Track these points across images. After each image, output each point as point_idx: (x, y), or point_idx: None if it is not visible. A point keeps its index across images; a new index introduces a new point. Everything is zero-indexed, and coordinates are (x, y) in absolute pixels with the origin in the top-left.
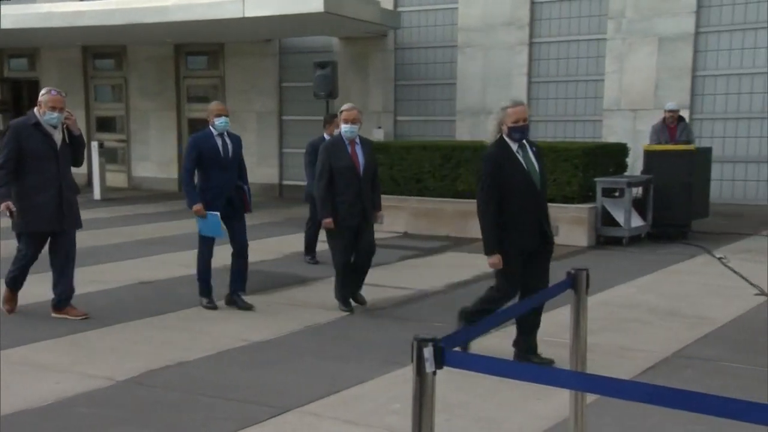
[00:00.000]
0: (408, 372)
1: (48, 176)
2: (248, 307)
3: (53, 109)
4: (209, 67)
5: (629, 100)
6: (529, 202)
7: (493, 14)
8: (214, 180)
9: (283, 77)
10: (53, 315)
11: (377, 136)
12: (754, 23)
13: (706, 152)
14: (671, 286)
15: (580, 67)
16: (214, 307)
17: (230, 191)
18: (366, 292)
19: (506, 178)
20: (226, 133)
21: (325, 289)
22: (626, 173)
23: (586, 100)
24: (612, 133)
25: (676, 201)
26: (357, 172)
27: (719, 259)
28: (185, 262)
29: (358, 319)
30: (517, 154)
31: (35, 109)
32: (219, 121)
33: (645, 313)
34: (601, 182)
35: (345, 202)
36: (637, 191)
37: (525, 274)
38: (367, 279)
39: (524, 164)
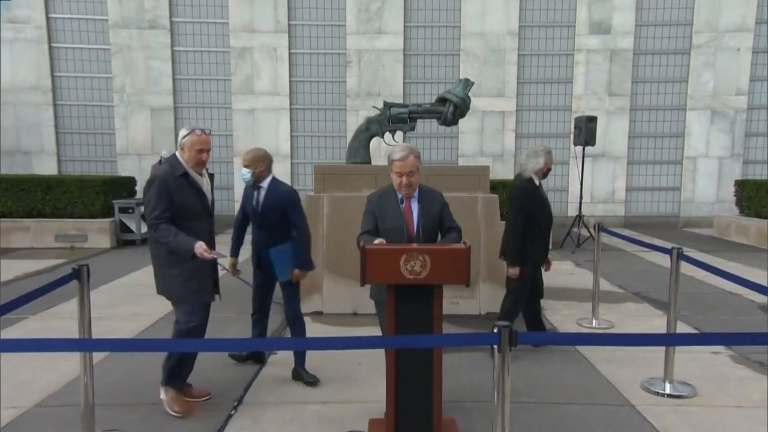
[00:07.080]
0: None
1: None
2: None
3: (200, 152)
4: None
5: (135, 148)
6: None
7: (20, 79)
8: None
9: None
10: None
11: None
12: (213, 102)
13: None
14: None
15: (97, 124)
16: None
17: None
18: None
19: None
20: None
21: None
22: (135, 197)
23: (103, 147)
24: (125, 170)
25: None
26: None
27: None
28: None
29: None
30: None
31: (177, 154)
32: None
33: (149, 288)
34: (117, 203)
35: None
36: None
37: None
38: None
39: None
